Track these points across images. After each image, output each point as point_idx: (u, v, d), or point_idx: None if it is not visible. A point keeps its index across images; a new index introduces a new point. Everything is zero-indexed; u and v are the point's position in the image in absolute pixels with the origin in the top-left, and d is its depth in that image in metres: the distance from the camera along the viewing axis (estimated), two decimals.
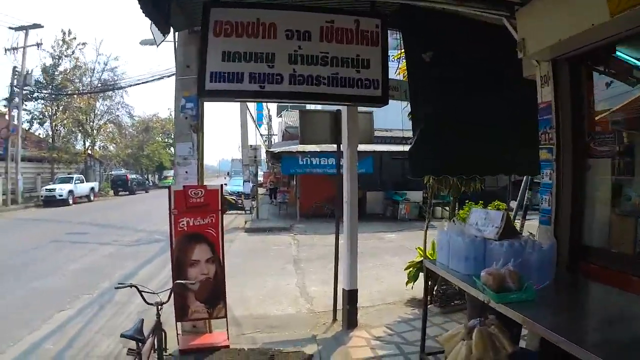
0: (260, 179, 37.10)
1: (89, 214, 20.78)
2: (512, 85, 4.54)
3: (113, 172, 40.48)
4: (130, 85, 27.59)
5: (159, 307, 3.67)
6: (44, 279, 8.35)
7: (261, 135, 37.09)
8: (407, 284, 6.91)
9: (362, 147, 17.63)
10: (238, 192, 20.52)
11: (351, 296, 5.43)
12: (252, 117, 19.38)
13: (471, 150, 4.57)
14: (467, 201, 7.67)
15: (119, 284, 3.73)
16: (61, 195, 24.85)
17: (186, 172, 4.69)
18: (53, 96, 30.37)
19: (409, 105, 6.81)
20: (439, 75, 4.46)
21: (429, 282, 6.98)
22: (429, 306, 6.41)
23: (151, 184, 51.45)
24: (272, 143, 36.04)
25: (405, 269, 7.02)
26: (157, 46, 5.36)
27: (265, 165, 38.06)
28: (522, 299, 2.85)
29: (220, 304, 4.75)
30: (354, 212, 5.52)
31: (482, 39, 4.51)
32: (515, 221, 7.50)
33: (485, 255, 3.52)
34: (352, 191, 5.50)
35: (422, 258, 6.90)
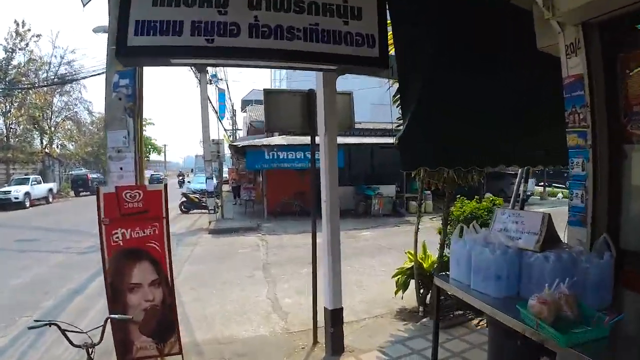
0: (226, 175, 35.79)
1: (45, 218, 19.25)
2: (520, 62, 3.70)
3: (73, 172, 38.27)
4: (86, 77, 25.36)
5: (90, 350, 2.68)
6: None
7: (225, 130, 35.73)
8: (395, 292, 6.07)
9: None
10: (202, 190, 19.21)
11: (335, 316, 4.50)
12: (214, 108, 18.04)
13: (471, 138, 3.69)
14: (459, 196, 6.78)
15: (34, 321, 2.71)
16: (17, 198, 23.12)
17: (120, 168, 3.61)
18: (7, 92, 28.10)
19: (393, 87, 6.06)
20: (435, 49, 3.58)
21: (421, 290, 6.22)
22: (423, 320, 5.60)
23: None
24: (237, 138, 34.75)
25: (394, 276, 6.17)
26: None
27: (230, 161, 36.75)
28: (593, 337, 2.03)
29: (172, 337, 3.71)
30: (334, 213, 4.57)
31: (485, 7, 3.65)
32: None
33: (521, 271, 2.66)
34: (332, 188, 4.55)
35: (411, 264, 6.09)
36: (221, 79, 17.03)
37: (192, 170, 46.62)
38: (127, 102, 3.68)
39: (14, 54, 28.89)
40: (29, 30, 29.18)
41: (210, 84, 15.52)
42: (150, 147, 57.91)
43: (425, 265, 6.06)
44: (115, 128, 3.68)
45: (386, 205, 17.21)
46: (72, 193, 33.77)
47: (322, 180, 4.56)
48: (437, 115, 3.53)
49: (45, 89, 30.64)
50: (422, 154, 3.65)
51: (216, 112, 18.13)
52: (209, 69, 15.51)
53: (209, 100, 15.84)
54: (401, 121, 5.91)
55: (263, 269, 8.67)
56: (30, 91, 29.35)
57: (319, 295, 4.97)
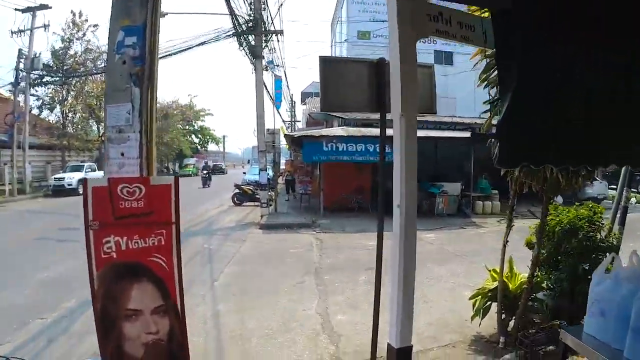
0: (283, 167, 35.28)
1: None
2: None
3: None
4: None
5: None
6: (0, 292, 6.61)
7: (283, 121, 35.22)
8: (472, 318, 4.86)
9: (389, 132, 15.55)
10: (256, 182, 18.58)
11: (402, 357, 3.37)
12: (270, 96, 17.20)
13: (585, 130, 2.46)
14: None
15: None
16: (70, 185, 23.38)
17: (122, 154, 2.70)
18: (63, 80, 29.01)
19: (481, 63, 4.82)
20: (545, 13, 2.37)
21: (503, 315, 4.99)
22: (506, 357, 4.35)
23: (171, 172, 50.52)
24: (295, 130, 34.12)
25: (472, 297, 4.95)
26: None
27: (289, 153, 36.23)
28: None
29: None
30: (410, 224, 3.34)
31: None
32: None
33: None
34: (409, 188, 3.35)
35: (494, 284, 4.85)
36: (278, 65, 16.16)
37: (248, 162, 46.68)
38: (134, 67, 2.74)
39: (71, 44, 29.42)
40: (86, 20, 29.76)
41: (267, 70, 14.73)
42: (208, 137, 59.03)
43: (511, 286, 4.82)
44: (117, 101, 2.75)
45: (451, 204, 15.73)
46: None
47: (396, 177, 3.38)
48: (543, 99, 2.37)
49: (102, 77, 31.34)
50: (526, 148, 2.49)
51: (272, 100, 17.23)
52: (266, 54, 14.77)
53: (265, 86, 15.03)
54: (491, 115, 4.69)
55: (315, 274, 7.67)
56: (88, 79, 29.96)
57: (381, 323, 3.86)
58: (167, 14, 14.14)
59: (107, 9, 2.88)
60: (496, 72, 4.05)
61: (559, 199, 19.26)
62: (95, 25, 30.21)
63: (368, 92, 3.50)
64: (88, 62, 29.66)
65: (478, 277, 6.66)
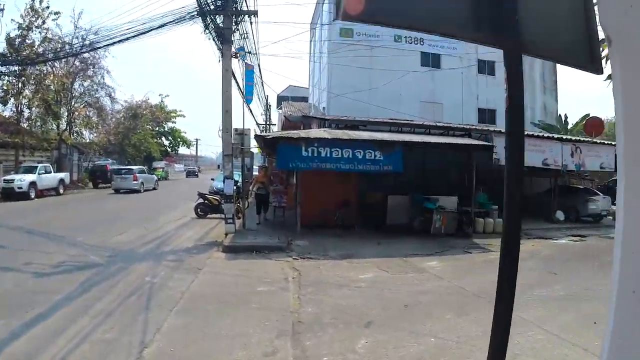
0: (256, 173, 32.45)
1: (38, 214, 16.70)
2: None
3: (95, 162, 36.27)
4: (107, 45, 20.86)
5: None
6: None
7: (257, 124, 32.66)
8: None
9: (386, 136, 13.23)
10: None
11: None
12: (240, 89, 14.46)
13: None
14: None
15: None
16: (20, 188, 21.06)
17: None
18: (19, 71, 25.97)
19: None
20: None
21: None
22: None
23: None
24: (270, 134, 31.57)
25: None
26: None
27: (263, 158, 33.58)
28: None
29: None
30: None
31: None
32: None
33: None
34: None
35: None
36: (250, 52, 13.54)
37: (218, 166, 44.03)
38: None
39: (29, 32, 26.61)
40: (48, 7, 27.01)
41: (236, 57, 12.23)
42: (179, 139, 55.69)
43: None
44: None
45: (450, 222, 13.54)
46: (91, 184, 31.99)
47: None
48: None
49: (62, 72, 28.34)
50: None
51: (241, 91, 14.39)
52: (236, 40, 12.29)
53: (235, 78, 12.52)
54: None
55: (292, 338, 5.17)
56: (48, 72, 27.02)
57: None
58: None
59: None
60: None
61: (561, 216, 17.47)
62: (57, 13, 27.32)
63: None
64: (47, 52, 26.53)
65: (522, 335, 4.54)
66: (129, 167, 32.13)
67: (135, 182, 28.75)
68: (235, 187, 13.82)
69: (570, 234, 14.18)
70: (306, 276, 8.13)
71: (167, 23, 12.06)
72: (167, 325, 5.50)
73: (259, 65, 18.17)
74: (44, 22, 27.11)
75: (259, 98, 27.75)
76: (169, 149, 55.80)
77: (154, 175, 34.54)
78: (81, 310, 5.92)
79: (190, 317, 5.83)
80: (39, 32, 27.04)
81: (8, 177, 21.67)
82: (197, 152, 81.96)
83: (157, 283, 7.53)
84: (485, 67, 27.57)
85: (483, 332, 5.40)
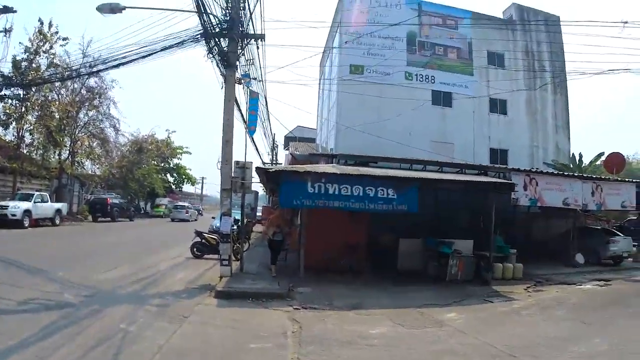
0: (260, 213, 31.29)
1: (26, 243, 16.12)
2: None
3: (96, 195, 35.48)
4: (107, 68, 18.80)
5: None
6: None
7: (263, 162, 31.82)
8: None
9: (400, 173, 12.20)
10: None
11: None
12: (242, 116, 13.48)
13: None
14: None
15: None
16: (14, 215, 20.43)
17: None
18: (23, 95, 25.65)
19: None
20: None
21: None
22: None
23: (142, 211, 46.54)
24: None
25: None
26: None
27: (267, 198, 32.54)
28: None
29: None
30: None
31: None
32: None
33: None
34: None
35: None
36: (255, 79, 12.72)
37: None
38: None
39: (36, 56, 26.29)
40: (57, 32, 26.86)
41: (240, 84, 11.46)
42: (184, 176, 54.76)
43: None
44: None
45: (467, 268, 12.36)
46: (90, 218, 31.27)
47: None
48: None
49: (67, 99, 27.96)
50: None
51: (244, 120, 13.39)
52: (241, 67, 11.58)
53: (239, 108, 11.65)
54: None
55: None
56: (53, 99, 26.66)
57: None
58: (124, 8, 11.09)
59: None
60: None
61: (580, 259, 16.20)
62: (65, 39, 27.15)
63: None
64: (53, 77, 26.20)
65: None
66: (182, 203, 45.89)
67: (187, 214, 41.20)
68: (234, 226, 12.77)
69: (593, 278, 13.25)
70: (308, 330, 6.94)
71: (171, 45, 11.39)
72: None
73: (265, 98, 17.44)
74: (51, 47, 26.83)
75: (265, 135, 27.08)
76: (173, 186, 54.93)
77: (200, 207, 44.20)
78: None
79: None
80: (46, 57, 26.76)
81: (2, 203, 21.01)
82: (202, 191, 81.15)
83: (131, 332, 6.40)
84: (497, 106, 26.94)
85: None
